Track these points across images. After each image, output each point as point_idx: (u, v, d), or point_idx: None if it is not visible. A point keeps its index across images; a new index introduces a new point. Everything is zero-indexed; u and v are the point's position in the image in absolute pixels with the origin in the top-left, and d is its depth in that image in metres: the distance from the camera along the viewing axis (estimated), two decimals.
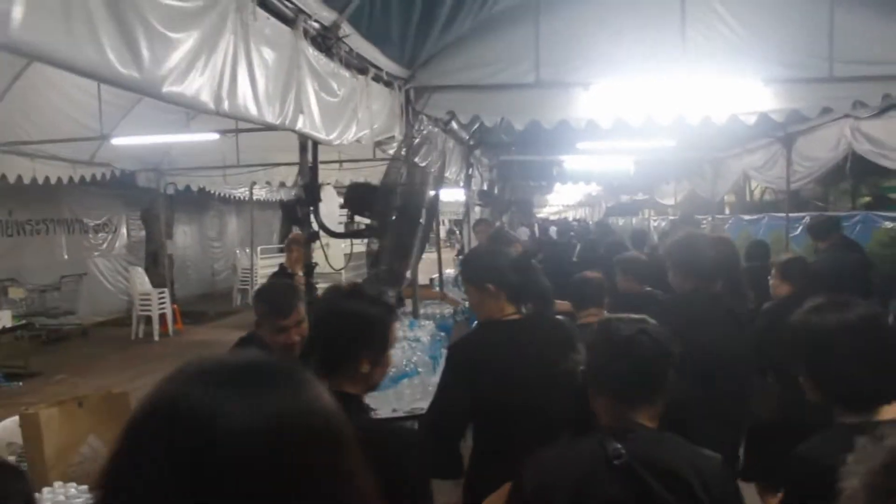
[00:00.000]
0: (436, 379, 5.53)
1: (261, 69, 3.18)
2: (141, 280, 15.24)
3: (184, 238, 21.16)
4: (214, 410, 0.97)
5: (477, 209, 12.82)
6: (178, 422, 0.97)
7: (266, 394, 1.01)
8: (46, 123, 10.25)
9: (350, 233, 3.92)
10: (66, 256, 16.38)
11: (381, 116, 5.53)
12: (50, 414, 4.28)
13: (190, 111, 11.92)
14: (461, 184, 11.22)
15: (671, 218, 21.01)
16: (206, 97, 2.78)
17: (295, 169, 13.46)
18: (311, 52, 3.86)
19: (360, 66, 4.96)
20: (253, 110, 3.14)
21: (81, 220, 16.93)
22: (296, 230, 4.58)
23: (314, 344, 2.36)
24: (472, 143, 11.09)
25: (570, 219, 38.32)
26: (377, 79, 5.48)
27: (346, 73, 4.59)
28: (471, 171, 11.35)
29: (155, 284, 15.61)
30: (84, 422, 4.34)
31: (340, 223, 4.23)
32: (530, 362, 3.04)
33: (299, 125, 3.65)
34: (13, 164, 10.73)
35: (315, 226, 3.90)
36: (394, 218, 3.89)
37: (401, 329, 6.15)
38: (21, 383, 10.78)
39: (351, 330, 2.25)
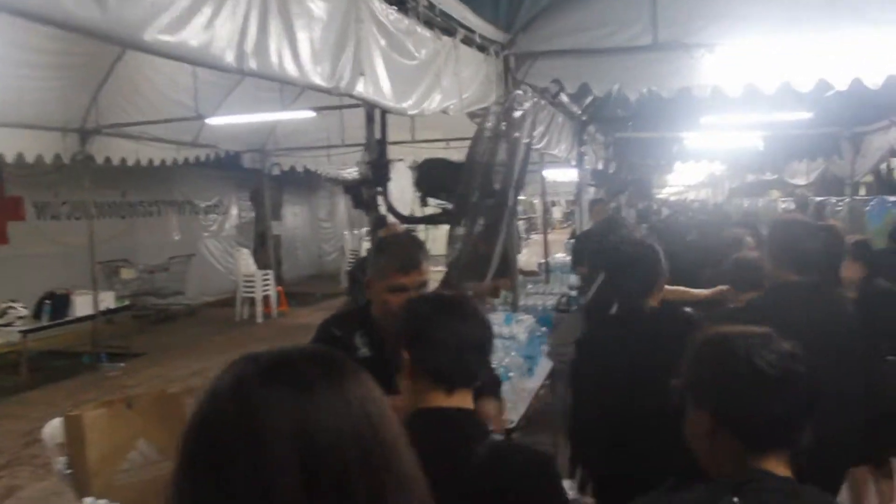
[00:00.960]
0: (532, 384, 4.93)
1: (302, 19, 2.60)
2: (245, 261, 15.16)
3: (293, 219, 21.13)
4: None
5: (591, 190, 12.01)
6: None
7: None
8: (147, 105, 10.12)
9: (424, 218, 3.32)
10: (176, 237, 16.52)
11: (472, 85, 4.89)
12: (96, 415, 3.87)
13: (293, 88, 11.69)
14: (573, 162, 10.46)
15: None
16: (220, 51, 2.23)
17: (404, 149, 13.19)
18: (376, 4, 3.26)
19: (445, 25, 4.32)
20: (292, 70, 2.57)
21: (192, 201, 17.06)
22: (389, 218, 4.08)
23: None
24: (584, 118, 10.29)
25: (690, 200, 36.75)
26: (468, 42, 4.84)
27: (426, 33, 3.97)
28: (583, 148, 10.57)
29: (262, 266, 15.56)
30: (134, 425, 3.91)
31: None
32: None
33: (358, 89, 3.06)
34: (118, 146, 10.70)
35: (384, 209, 3.32)
36: (475, 200, 3.26)
37: (495, 325, 5.54)
38: (123, 364, 10.74)
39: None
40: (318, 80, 2.76)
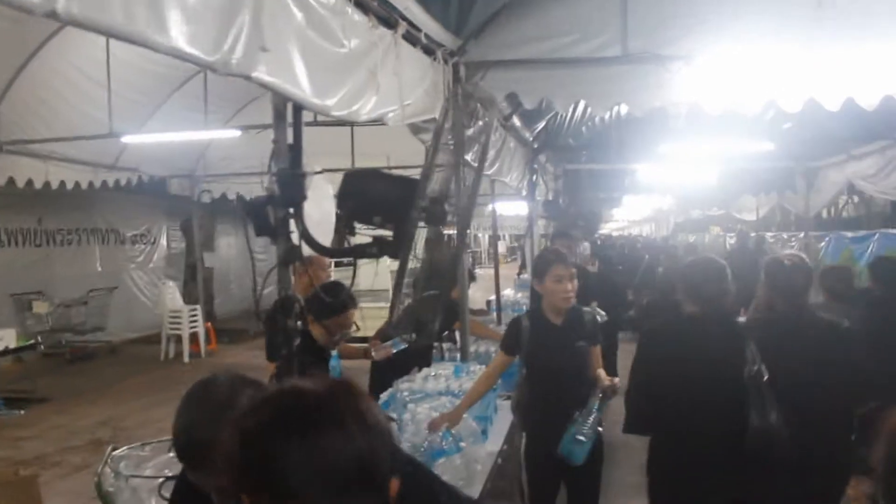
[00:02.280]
0: (489, 449, 4.11)
1: None
2: (171, 295, 14.09)
3: (227, 250, 20.04)
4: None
5: (540, 223, 11.29)
6: None
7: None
8: (57, 121, 9.12)
9: (352, 249, 2.49)
10: (99, 268, 15.35)
11: (416, 91, 4.11)
12: None
13: (225, 108, 10.79)
14: (524, 192, 9.73)
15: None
16: None
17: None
18: None
19: (383, 14, 3.54)
20: (146, 27, 1.74)
21: (117, 229, 15.92)
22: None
23: None
24: (536, 145, 9.59)
25: (634, 235, 36.57)
26: (412, 39, 4.06)
27: (359, 18, 3.18)
28: (535, 178, 9.86)
29: (193, 300, 14.51)
30: None
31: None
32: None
33: (259, 71, 2.24)
34: (24, 166, 9.57)
35: (296, 237, 2.50)
36: (430, 233, 2.47)
37: (441, 379, 4.71)
38: (22, 412, 9.58)
39: None
40: (191, 49, 1.93)
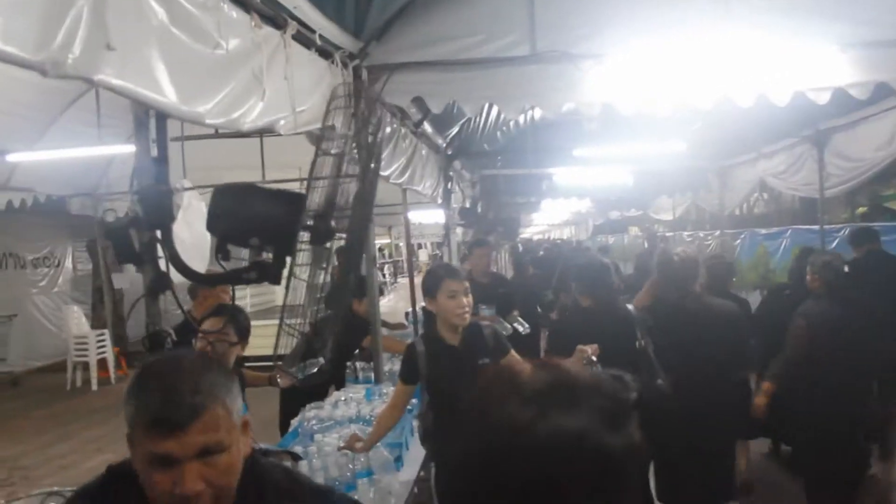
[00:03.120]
0: (403, 478, 3.82)
1: None
2: (77, 320, 13.38)
3: None
4: None
5: (459, 231, 11.07)
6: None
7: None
8: None
9: (227, 275, 2.17)
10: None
11: (311, 97, 3.80)
12: None
13: (125, 121, 10.14)
14: (439, 201, 9.48)
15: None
16: None
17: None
18: None
19: (268, 12, 3.23)
20: None
21: (16, 253, 15.03)
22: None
23: None
24: (449, 152, 9.36)
25: (554, 239, 36.83)
26: (304, 41, 3.76)
27: (237, 15, 2.87)
28: (450, 185, 9.62)
29: (101, 324, 13.80)
30: None
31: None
32: None
33: (102, 75, 1.91)
34: None
35: (165, 263, 2.17)
36: (306, 246, 2.15)
37: (352, 404, 4.42)
38: None
39: None
40: (7, 47, 1.61)
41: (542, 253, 19.90)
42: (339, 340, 6.03)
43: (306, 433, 4.11)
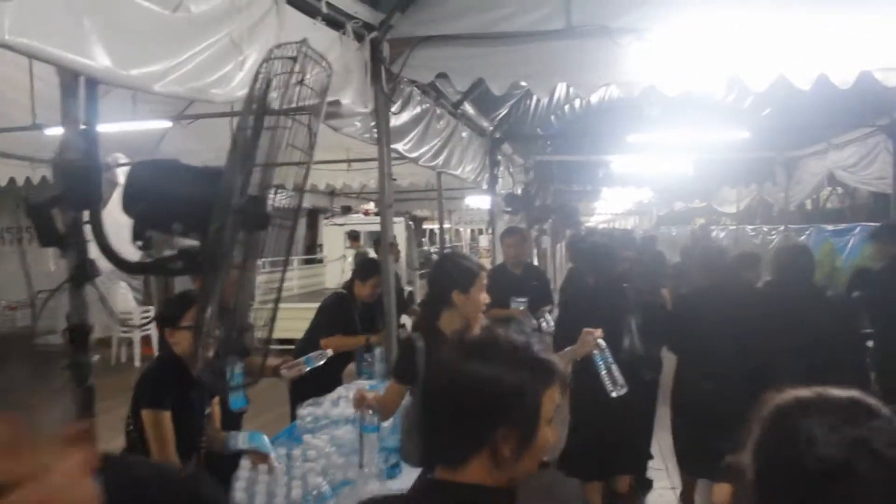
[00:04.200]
0: (394, 487, 3.48)
1: None
2: (124, 296, 13.40)
3: None
4: None
5: (506, 217, 10.68)
6: None
7: None
8: None
9: (154, 264, 1.88)
10: (52, 268, 14.61)
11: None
12: None
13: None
14: (484, 186, 9.12)
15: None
16: None
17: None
18: None
19: None
20: None
21: None
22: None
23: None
24: (497, 135, 8.98)
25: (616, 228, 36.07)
26: (306, 8, 3.44)
27: None
28: (497, 170, 9.24)
29: (149, 301, 13.82)
30: None
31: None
32: None
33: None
34: None
35: (93, 249, 1.89)
36: (229, 230, 1.82)
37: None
38: None
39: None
40: None
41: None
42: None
43: (299, 431, 3.83)
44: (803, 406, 1.36)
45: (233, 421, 4.31)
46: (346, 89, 3.87)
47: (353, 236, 15.85)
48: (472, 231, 35.42)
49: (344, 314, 5.78)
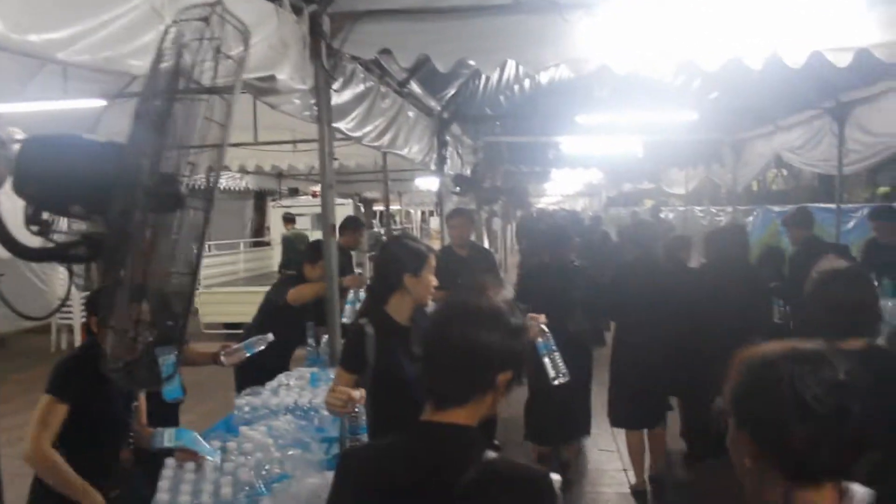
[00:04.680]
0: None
1: None
2: (63, 282, 12.97)
3: None
4: None
5: (454, 199, 10.54)
6: None
7: None
8: None
9: (51, 250, 1.70)
10: None
11: (252, 46, 3.29)
12: None
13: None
14: (433, 167, 8.96)
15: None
16: None
17: (242, 152, 11.43)
18: None
19: None
20: None
21: None
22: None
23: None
24: (445, 115, 8.82)
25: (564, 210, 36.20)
26: None
27: None
28: (446, 151, 9.08)
29: (90, 287, 13.39)
30: None
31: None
32: None
33: None
34: None
35: None
36: (138, 214, 1.65)
37: (294, 391, 3.95)
38: None
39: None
40: None
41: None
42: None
43: (239, 422, 3.66)
44: (785, 356, 1.53)
45: (168, 413, 4.12)
46: (283, 64, 3.68)
47: (289, 218, 15.59)
48: (423, 213, 35.26)
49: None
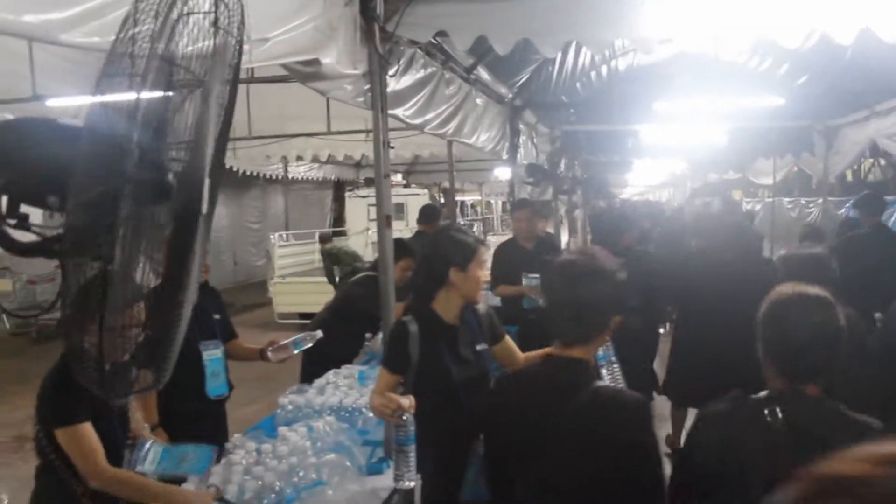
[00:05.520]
0: (377, 486, 3.15)
1: None
2: None
3: (217, 220, 19.24)
4: None
5: (528, 189, 10.28)
6: None
7: None
8: None
9: (29, 246, 1.55)
10: None
11: (287, 23, 3.14)
12: None
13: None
14: (504, 155, 8.72)
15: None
16: None
17: (316, 141, 11.40)
18: None
19: None
20: None
21: None
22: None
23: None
24: (517, 103, 8.57)
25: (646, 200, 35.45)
26: None
27: None
28: (517, 140, 8.83)
29: None
30: None
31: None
32: None
33: None
34: None
35: None
36: (125, 210, 1.51)
37: (341, 389, 3.80)
38: None
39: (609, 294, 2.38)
40: None
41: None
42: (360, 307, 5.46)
43: (281, 421, 3.54)
44: (790, 300, 2.23)
45: (212, 411, 4.03)
46: (329, 48, 3.51)
47: (324, 238, 15.53)
48: (504, 203, 35.01)
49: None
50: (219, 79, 1.60)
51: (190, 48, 1.57)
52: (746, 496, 1.97)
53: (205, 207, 1.52)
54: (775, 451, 2.03)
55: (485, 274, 3.23)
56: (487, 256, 3.23)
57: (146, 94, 1.49)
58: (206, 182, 1.50)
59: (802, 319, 2.14)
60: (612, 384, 3.16)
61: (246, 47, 2.78)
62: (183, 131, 1.54)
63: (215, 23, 1.64)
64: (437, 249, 3.31)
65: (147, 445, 2.95)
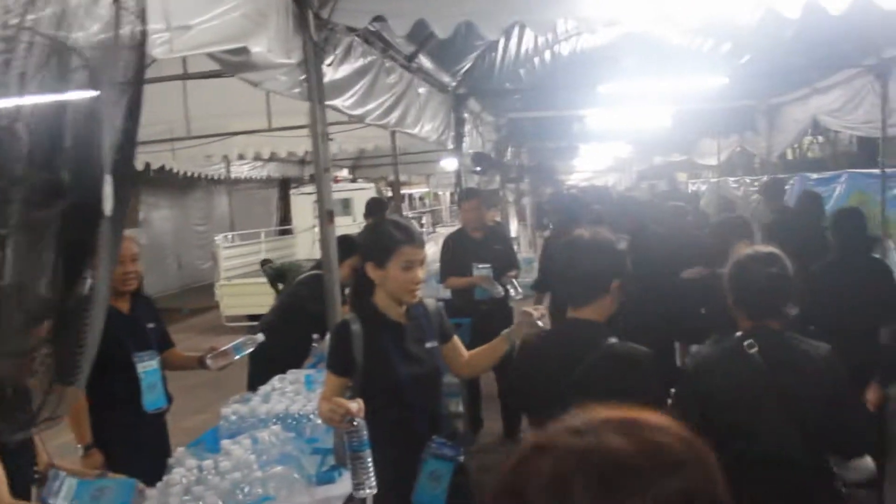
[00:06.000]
0: (331, 494, 2.96)
1: None
2: None
3: (162, 224, 18.78)
4: None
5: (475, 179, 10.15)
6: None
7: None
8: None
9: None
10: None
11: (211, 9, 2.92)
12: None
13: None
14: (450, 145, 8.57)
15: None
16: None
17: (257, 139, 11.14)
18: None
19: None
20: None
21: None
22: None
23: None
24: (461, 91, 8.42)
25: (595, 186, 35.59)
26: None
27: None
28: (462, 129, 8.68)
29: None
30: None
31: None
32: None
33: None
34: None
35: None
36: (16, 203, 1.35)
37: (287, 395, 3.61)
38: None
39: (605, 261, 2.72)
40: None
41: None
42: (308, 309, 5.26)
43: (224, 433, 3.34)
44: (750, 253, 2.86)
45: (151, 425, 3.80)
46: (259, 36, 3.31)
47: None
48: (452, 194, 34.89)
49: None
50: (119, 65, 1.41)
51: (84, 32, 1.38)
52: (736, 409, 2.63)
53: (108, 208, 1.33)
54: (756, 372, 2.61)
55: (415, 275, 2.99)
56: (420, 255, 2.98)
57: (34, 85, 1.30)
58: (108, 180, 1.31)
59: (761, 269, 2.72)
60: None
61: (166, 35, 2.58)
62: (78, 123, 1.34)
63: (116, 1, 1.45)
64: (361, 244, 3.20)
65: (60, 478, 2.66)
